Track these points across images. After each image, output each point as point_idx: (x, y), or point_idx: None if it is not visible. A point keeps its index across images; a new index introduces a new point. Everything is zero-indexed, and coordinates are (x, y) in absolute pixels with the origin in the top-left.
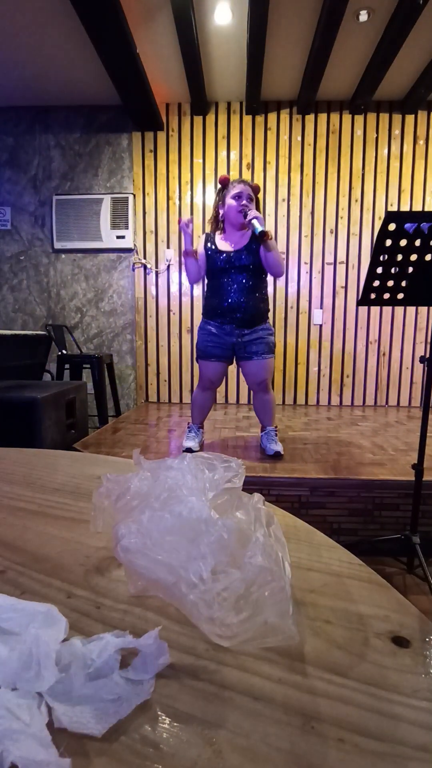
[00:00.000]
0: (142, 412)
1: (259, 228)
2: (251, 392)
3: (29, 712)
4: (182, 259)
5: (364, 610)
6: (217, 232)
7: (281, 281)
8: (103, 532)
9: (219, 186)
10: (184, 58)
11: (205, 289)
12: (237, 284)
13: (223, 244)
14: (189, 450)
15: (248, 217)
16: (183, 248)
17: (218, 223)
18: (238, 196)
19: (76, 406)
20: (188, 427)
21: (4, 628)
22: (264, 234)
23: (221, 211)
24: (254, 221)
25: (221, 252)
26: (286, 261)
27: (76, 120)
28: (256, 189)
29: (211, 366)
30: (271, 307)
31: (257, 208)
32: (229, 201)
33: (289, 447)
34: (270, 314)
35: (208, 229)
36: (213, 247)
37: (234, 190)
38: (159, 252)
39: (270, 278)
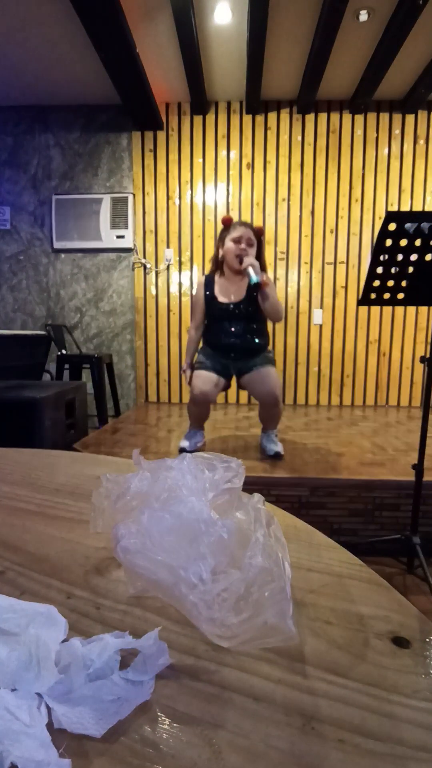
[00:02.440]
0: (141, 412)
1: (254, 279)
2: (259, 402)
3: (29, 712)
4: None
5: (364, 611)
6: (217, 274)
7: (281, 281)
8: (103, 533)
9: (222, 226)
10: (184, 58)
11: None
12: (235, 330)
13: (222, 293)
14: (183, 450)
15: (243, 265)
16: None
17: (218, 263)
18: (237, 240)
19: (75, 406)
20: (189, 429)
21: (3, 629)
22: (259, 285)
23: (221, 252)
24: (250, 270)
25: (220, 302)
26: (286, 261)
27: (76, 120)
28: (258, 232)
29: (204, 375)
30: (270, 338)
31: (260, 251)
32: (228, 244)
33: (289, 447)
34: (270, 345)
35: (208, 270)
36: (211, 294)
37: (234, 233)
38: (159, 252)
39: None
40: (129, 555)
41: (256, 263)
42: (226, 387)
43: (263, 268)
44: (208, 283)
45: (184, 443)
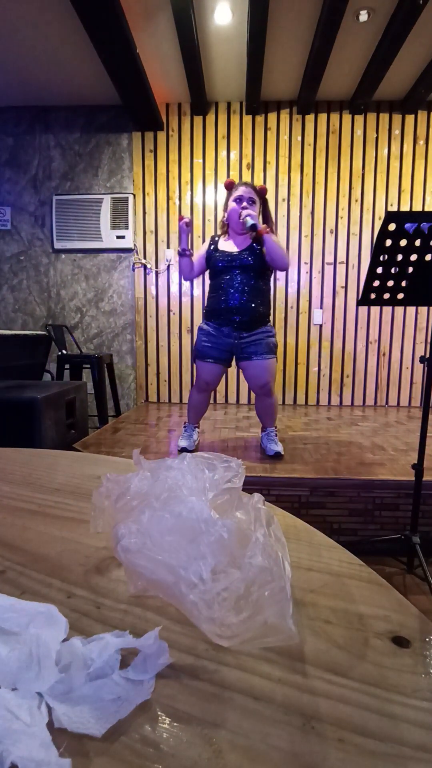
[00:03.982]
0: (142, 412)
1: (250, 222)
2: (254, 394)
3: (29, 712)
4: (177, 258)
5: (364, 610)
6: (223, 236)
7: (281, 281)
8: (103, 532)
9: (226, 190)
10: (184, 58)
11: (207, 289)
12: (237, 284)
13: (226, 245)
14: (184, 449)
15: (242, 216)
16: (179, 247)
17: (225, 226)
18: (239, 199)
19: (76, 406)
20: (184, 427)
21: (4, 628)
22: (254, 227)
23: (225, 215)
24: (247, 218)
25: (223, 252)
26: None
27: (76, 120)
28: (261, 191)
29: (208, 367)
30: (271, 310)
31: (265, 210)
32: (231, 204)
33: (289, 447)
34: (270, 317)
35: (217, 231)
36: (215, 247)
37: (236, 192)
38: (159, 252)
39: (271, 280)
40: (129, 554)
41: (254, 213)
42: (227, 368)
43: (269, 225)
44: (214, 240)
45: (184, 443)
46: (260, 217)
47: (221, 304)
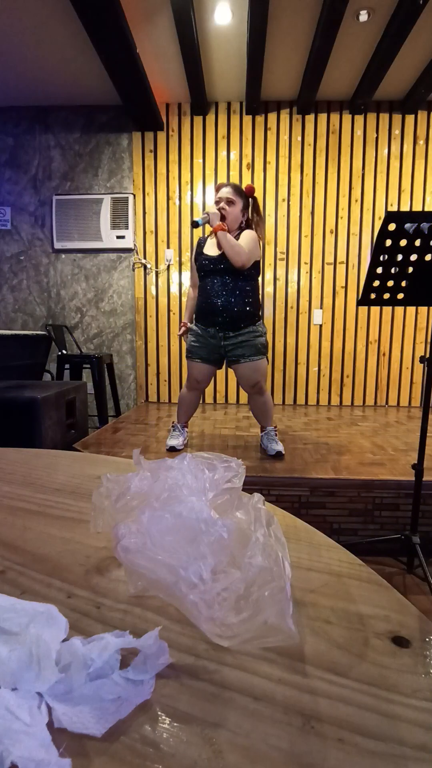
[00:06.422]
0: (142, 412)
1: (197, 221)
2: (247, 393)
3: (29, 712)
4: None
5: (364, 610)
6: (210, 236)
7: (281, 281)
8: (103, 532)
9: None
10: (184, 58)
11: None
12: (219, 285)
13: (209, 248)
14: (172, 449)
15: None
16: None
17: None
18: (217, 201)
19: (76, 406)
20: (173, 426)
21: (4, 628)
22: (196, 224)
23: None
24: (202, 217)
25: (205, 255)
26: (286, 261)
27: (76, 120)
28: (247, 191)
29: (197, 366)
30: (264, 308)
31: (253, 209)
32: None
33: (289, 447)
34: (262, 315)
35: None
36: (200, 250)
37: (216, 195)
38: (159, 252)
39: (268, 278)
40: (129, 554)
41: (214, 212)
42: (217, 369)
43: (250, 225)
44: (201, 242)
45: (173, 441)
46: (250, 215)
47: (206, 306)
